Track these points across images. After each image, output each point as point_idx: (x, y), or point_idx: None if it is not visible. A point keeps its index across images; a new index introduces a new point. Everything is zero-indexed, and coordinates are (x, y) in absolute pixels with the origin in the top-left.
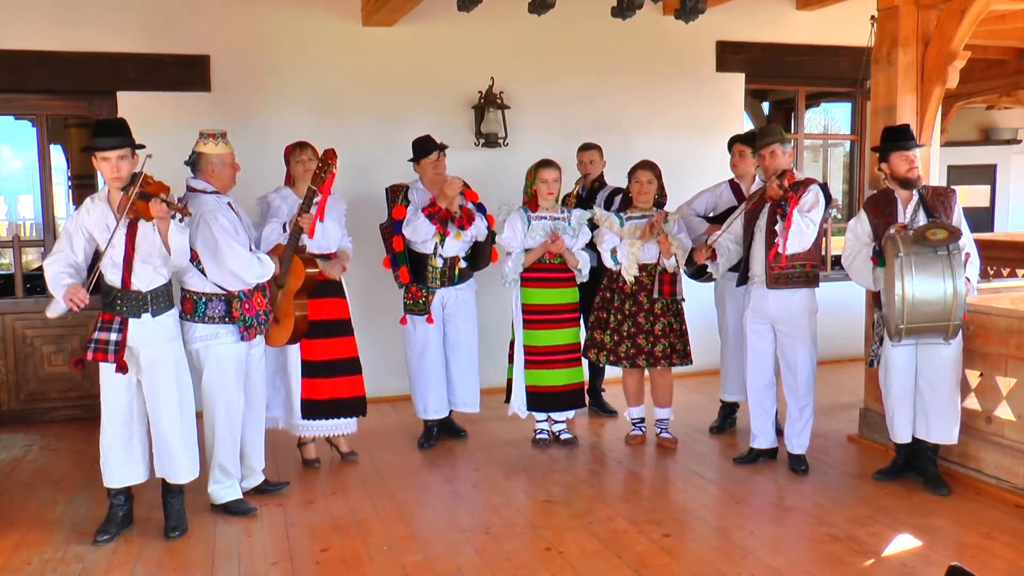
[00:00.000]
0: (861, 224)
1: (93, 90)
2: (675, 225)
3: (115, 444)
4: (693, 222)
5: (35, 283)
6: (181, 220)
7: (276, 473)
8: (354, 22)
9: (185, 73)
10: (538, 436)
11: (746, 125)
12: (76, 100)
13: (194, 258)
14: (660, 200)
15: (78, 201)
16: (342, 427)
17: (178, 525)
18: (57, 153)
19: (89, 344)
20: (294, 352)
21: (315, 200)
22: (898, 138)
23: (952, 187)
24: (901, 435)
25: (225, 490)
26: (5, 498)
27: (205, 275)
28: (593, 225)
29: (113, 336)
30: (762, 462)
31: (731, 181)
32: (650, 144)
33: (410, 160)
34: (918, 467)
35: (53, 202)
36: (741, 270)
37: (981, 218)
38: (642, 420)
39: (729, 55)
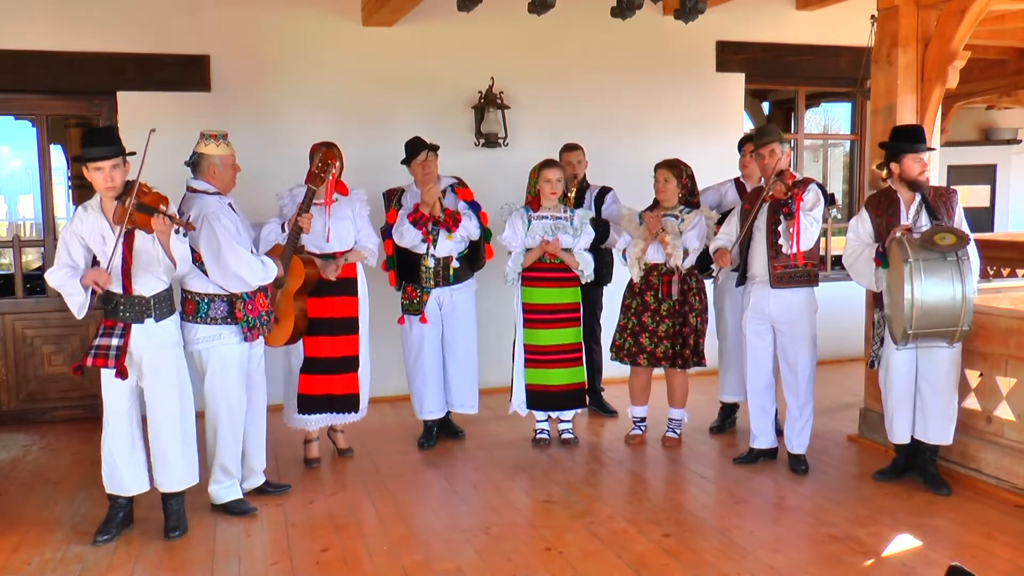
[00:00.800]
0: (863, 223)
1: (93, 90)
2: (691, 223)
3: (120, 451)
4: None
5: (35, 283)
6: (185, 235)
7: (276, 473)
8: (354, 22)
9: (185, 73)
10: (538, 436)
11: (746, 125)
12: (76, 100)
13: (196, 259)
14: (691, 199)
15: (78, 201)
16: (334, 420)
17: (178, 525)
18: (57, 153)
19: (90, 350)
20: (297, 347)
21: (314, 200)
22: (912, 139)
23: (953, 188)
24: (900, 436)
25: (225, 490)
26: (5, 498)
27: (207, 276)
28: (596, 225)
29: (115, 342)
30: (762, 462)
31: (736, 180)
32: (650, 144)
33: (402, 162)
34: (918, 467)
35: (53, 202)
36: (740, 270)
37: (981, 218)
38: (643, 420)
39: (729, 55)
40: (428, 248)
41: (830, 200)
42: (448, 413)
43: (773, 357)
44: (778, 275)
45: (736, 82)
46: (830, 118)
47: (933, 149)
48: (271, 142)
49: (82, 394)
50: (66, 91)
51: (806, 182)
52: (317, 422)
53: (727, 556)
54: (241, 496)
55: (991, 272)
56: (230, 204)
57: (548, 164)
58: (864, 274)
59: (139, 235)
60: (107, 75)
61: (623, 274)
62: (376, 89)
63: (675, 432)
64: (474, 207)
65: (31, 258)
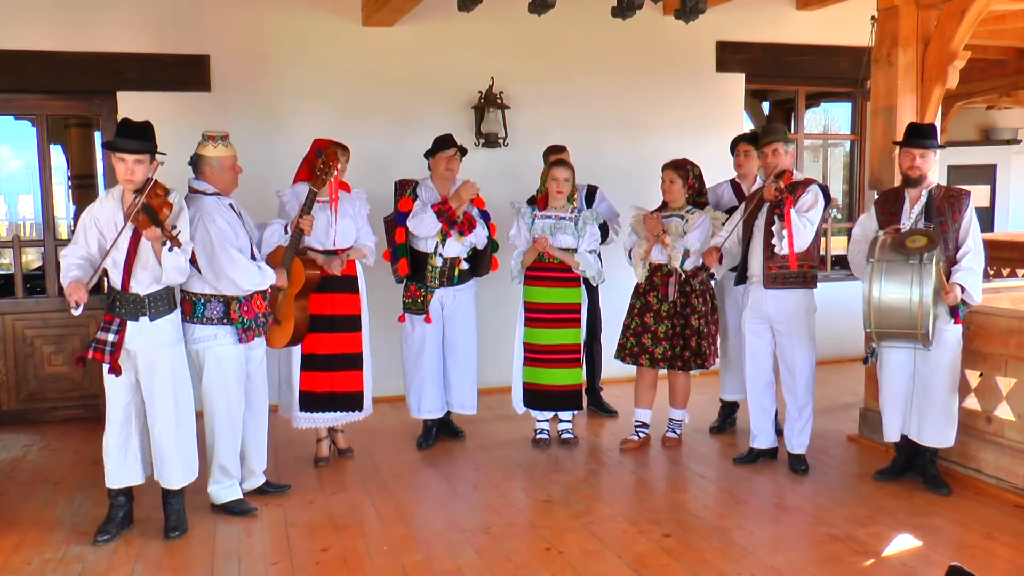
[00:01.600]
0: (870, 220)
1: (93, 90)
2: (696, 223)
3: (114, 445)
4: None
5: (35, 283)
6: (171, 249)
7: (276, 473)
8: (354, 22)
9: (185, 73)
10: (538, 436)
11: (746, 125)
12: (76, 100)
13: (193, 260)
14: (698, 200)
15: (78, 201)
16: (341, 419)
17: (178, 525)
18: (57, 153)
19: (92, 343)
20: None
21: (316, 200)
22: (908, 135)
23: (966, 189)
24: (890, 434)
25: (225, 490)
26: (5, 498)
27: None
28: (605, 227)
29: (110, 337)
30: (762, 462)
31: (732, 181)
32: (650, 144)
33: (426, 154)
34: (918, 467)
35: (53, 202)
36: (739, 270)
37: (981, 218)
38: (644, 425)
39: (729, 55)
40: (437, 247)
41: (828, 200)
42: (448, 413)
43: (772, 357)
44: (772, 275)
45: (736, 82)
46: (830, 118)
47: (929, 146)
48: (271, 142)
49: (82, 394)
50: (66, 91)
51: (807, 182)
52: (324, 420)
53: (727, 556)
54: (241, 496)
55: (991, 272)
56: (231, 205)
57: (557, 163)
58: (862, 270)
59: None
60: (107, 75)
61: (627, 274)
62: (376, 89)
63: (675, 432)
64: (485, 216)
65: (31, 258)
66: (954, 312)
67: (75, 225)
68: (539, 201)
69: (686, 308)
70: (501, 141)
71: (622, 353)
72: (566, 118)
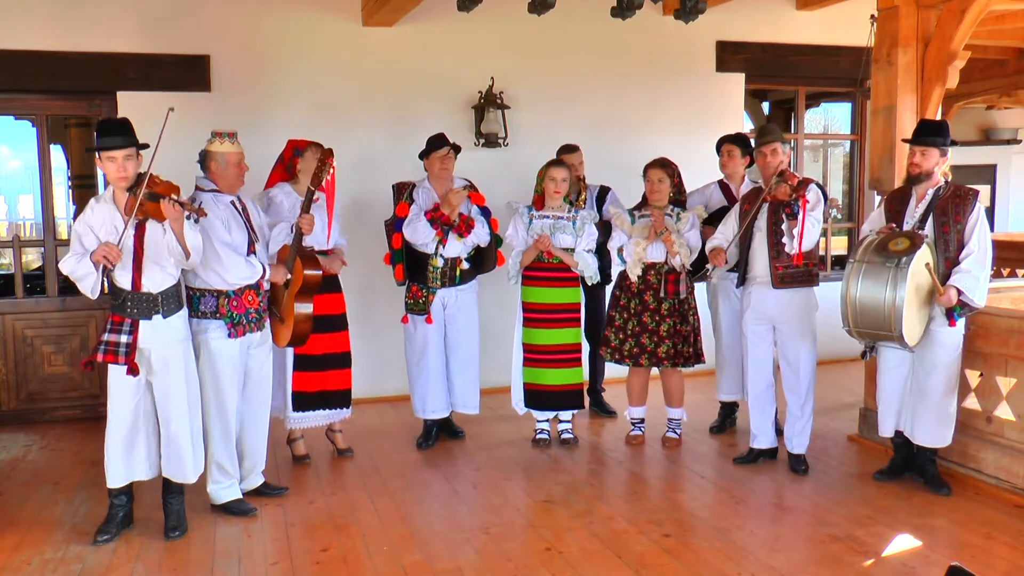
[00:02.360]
0: (880, 218)
1: (93, 90)
2: (688, 223)
3: (119, 445)
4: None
5: (35, 283)
6: (196, 220)
7: (276, 473)
8: (354, 22)
9: (185, 73)
10: (538, 436)
11: (746, 125)
12: (76, 100)
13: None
14: (679, 198)
15: (78, 201)
16: (332, 417)
17: (178, 525)
18: (57, 153)
19: (99, 346)
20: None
21: (315, 200)
22: (916, 132)
23: (975, 189)
24: (885, 429)
25: (224, 490)
26: (5, 498)
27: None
28: (599, 225)
29: (124, 338)
30: (762, 462)
31: (720, 182)
32: (650, 144)
33: (420, 155)
34: (917, 467)
35: (53, 202)
36: (740, 271)
37: None
38: (642, 420)
39: (729, 55)
40: (438, 248)
41: (827, 200)
42: (450, 413)
43: (773, 358)
44: (780, 275)
45: (736, 82)
46: (830, 118)
47: (932, 144)
48: (271, 142)
49: (82, 394)
50: (66, 91)
51: (806, 182)
52: (316, 419)
53: (727, 556)
54: (240, 496)
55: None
56: (233, 201)
57: (554, 163)
58: None
59: (150, 227)
60: (107, 75)
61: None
62: (376, 89)
63: (675, 432)
64: (485, 213)
65: (31, 258)
66: (949, 315)
67: (68, 235)
68: (535, 201)
69: (684, 305)
70: (501, 141)
71: (617, 355)
72: (566, 118)
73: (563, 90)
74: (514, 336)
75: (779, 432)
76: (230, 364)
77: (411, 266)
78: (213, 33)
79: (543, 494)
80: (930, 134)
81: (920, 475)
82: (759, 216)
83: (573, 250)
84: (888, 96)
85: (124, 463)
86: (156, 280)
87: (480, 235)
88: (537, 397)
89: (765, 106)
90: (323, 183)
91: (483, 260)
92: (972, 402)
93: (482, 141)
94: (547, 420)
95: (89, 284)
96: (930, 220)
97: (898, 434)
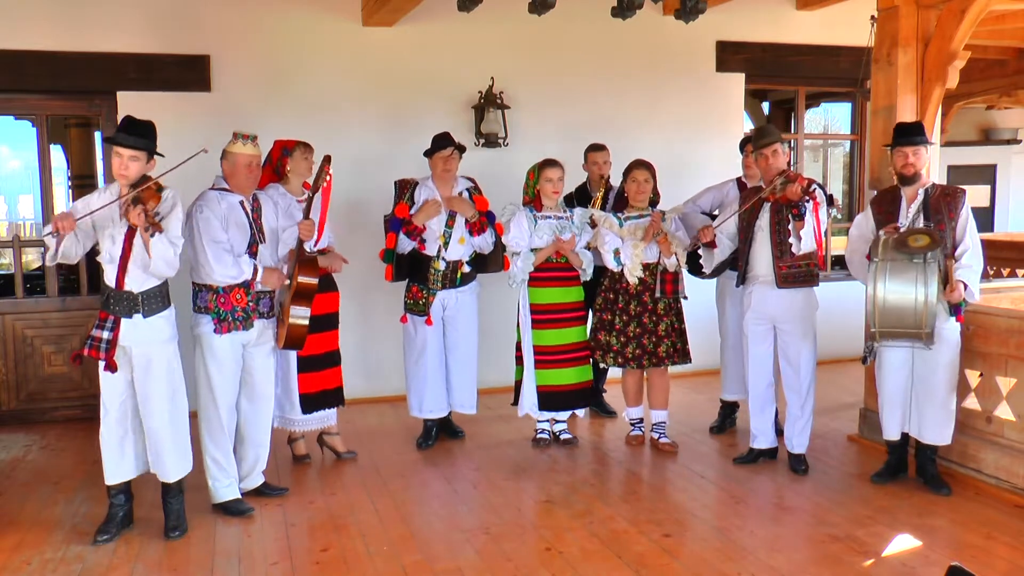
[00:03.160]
0: (867, 220)
1: (93, 90)
2: (672, 223)
3: (110, 441)
4: (696, 218)
5: (35, 283)
6: (152, 235)
7: (276, 473)
8: (354, 22)
9: (185, 73)
10: (538, 436)
11: (746, 125)
12: (76, 100)
13: None
14: (654, 199)
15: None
16: (329, 416)
17: (178, 525)
18: (57, 153)
19: (87, 340)
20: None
21: (315, 206)
22: (899, 133)
23: (962, 187)
24: (891, 432)
25: (223, 488)
26: (5, 498)
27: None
28: (592, 225)
29: (105, 334)
30: (762, 462)
31: (738, 180)
32: (650, 144)
33: (425, 153)
34: (918, 467)
35: (53, 202)
36: (740, 270)
37: (981, 218)
38: (641, 420)
39: (729, 55)
40: (440, 251)
41: (829, 201)
42: (449, 413)
43: (773, 358)
44: (783, 275)
45: (736, 82)
46: (830, 118)
47: (922, 143)
48: (271, 142)
49: (82, 394)
50: (66, 91)
51: (809, 182)
52: (318, 420)
53: (727, 556)
54: (239, 496)
55: (991, 272)
56: (242, 202)
57: (549, 164)
58: (861, 271)
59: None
60: (107, 75)
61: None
62: (376, 89)
63: (667, 437)
64: (490, 217)
65: (31, 258)
66: (955, 310)
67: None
68: (532, 204)
69: (677, 304)
70: (501, 141)
71: (621, 359)
72: (566, 118)
73: (563, 90)
74: (522, 339)
75: (779, 432)
76: (222, 359)
77: (412, 267)
78: (213, 33)
79: (543, 494)
80: (916, 134)
81: (920, 475)
82: (761, 216)
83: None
84: (888, 96)
85: (116, 460)
86: (138, 280)
87: (487, 240)
88: (552, 398)
89: (765, 106)
90: (320, 189)
91: (487, 263)
92: (972, 402)
93: (482, 141)
94: (547, 420)
95: (50, 251)
96: (923, 219)
97: (900, 434)
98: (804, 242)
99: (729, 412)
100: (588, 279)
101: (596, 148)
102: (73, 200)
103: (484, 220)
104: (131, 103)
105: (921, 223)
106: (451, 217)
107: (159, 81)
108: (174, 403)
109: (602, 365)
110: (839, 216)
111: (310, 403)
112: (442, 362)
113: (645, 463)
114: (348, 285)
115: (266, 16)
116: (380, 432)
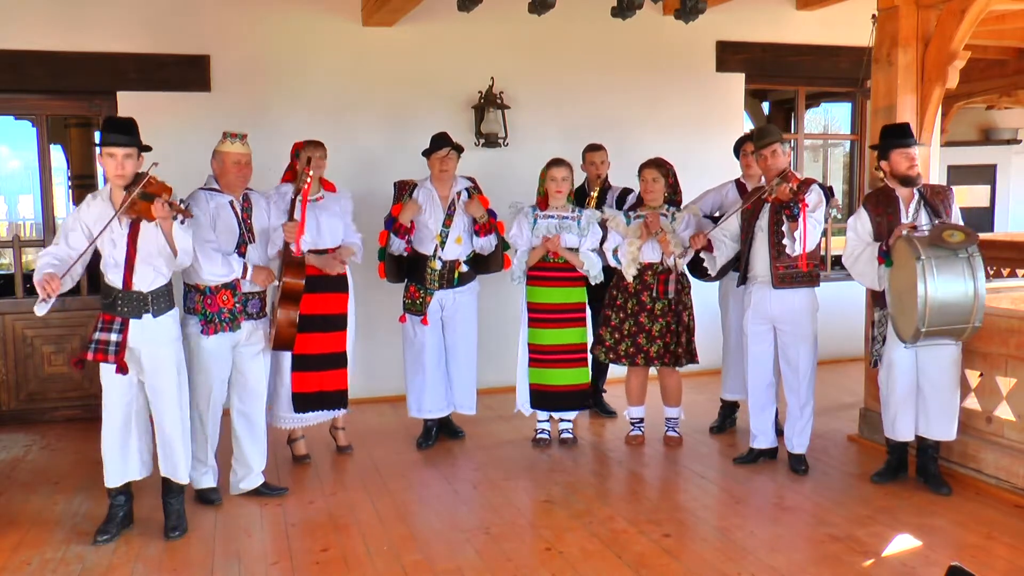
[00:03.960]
0: (861, 222)
1: (93, 90)
2: (683, 222)
3: (113, 444)
4: (701, 222)
5: None
6: (183, 221)
7: (276, 473)
8: (354, 22)
9: (185, 73)
10: (538, 436)
11: (746, 125)
12: (76, 100)
13: None
14: (675, 198)
15: (78, 201)
16: (325, 417)
17: (178, 525)
18: (57, 153)
19: (90, 344)
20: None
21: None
22: (898, 135)
23: (949, 186)
24: (904, 434)
25: (201, 476)
26: (5, 498)
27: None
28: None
29: (113, 337)
30: (762, 462)
31: (737, 181)
32: (650, 144)
33: (423, 153)
34: (919, 466)
35: (53, 202)
36: (741, 270)
37: (981, 218)
38: (641, 420)
39: (729, 55)
40: (436, 250)
41: (829, 193)
42: (449, 413)
43: (774, 358)
44: (780, 275)
45: (736, 82)
46: (830, 118)
47: (921, 144)
48: (271, 142)
49: (82, 394)
50: (66, 91)
51: (808, 182)
52: (310, 419)
53: (727, 556)
54: (214, 485)
55: (991, 272)
56: (231, 202)
57: (555, 163)
58: (866, 274)
59: (143, 228)
60: (107, 75)
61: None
62: (376, 89)
63: (675, 431)
64: (491, 215)
65: (31, 258)
66: None
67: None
68: (539, 202)
69: (678, 305)
70: (501, 141)
71: (612, 355)
72: (566, 118)
73: (563, 90)
74: (519, 337)
75: (779, 432)
76: (206, 360)
77: (410, 267)
78: (213, 33)
79: (543, 494)
80: (912, 135)
81: (921, 474)
82: (761, 216)
83: (578, 250)
84: (888, 96)
85: (119, 462)
86: (147, 279)
87: (490, 241)
88: (543, 397)
89: (765, 106)
90: (301, 191)
91: (487, 263)
92: (972, 402)
93: (482, 141)
94: (547, 420)
95: (41, 308)
96: (925, 217)
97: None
98: (796, 243)
99: (729, 412)
100: (598, 281)
101: (593, 148)
102: (73, 201)
103: (493, 221)
104: (131, 103)
105: (923, 221)
106: (448, 217)
107: (159, 81)
108: (183, 403)
109: (601, 359)
110: (839, 216)
111: (303, 403)
112: (442, 362)
113: (645, 463)
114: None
115: (266, 16)
116: (380, 432)
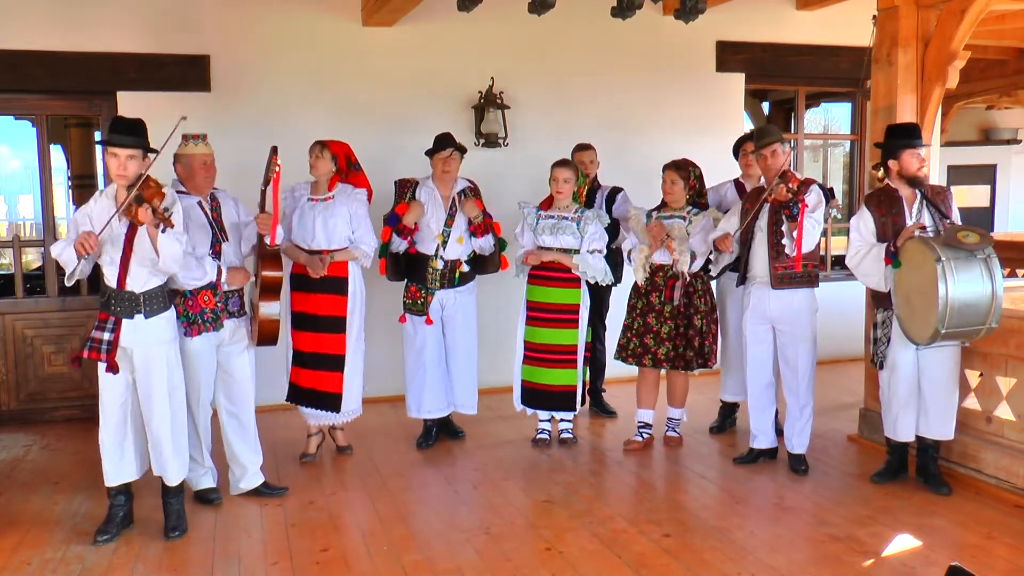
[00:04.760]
0: (864, 222)
1: (93, 90)
2: (700, 225)
3: (110, 443)
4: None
5: (35, 283)
6: (164, 230)
7: (276, 473)
8: (354, 22)
9: (185, 73)
10: (538, 436)
11: (746, 125)
12: (76, 100)
13: None
14: (698, 201)
15: (78, 201)
16: (319, 418)
17: (178, 525)
18: (57, 153)
19: (87, 342)
20: (285, 338)
21: (267, 199)
22: (909, 136)
23: (947, 186)
24: (905, 434)
25: (199, 477)
26: (5, 498)
27: None
28: (615, 226)
29: (106, 336)
30: (762, 462)
31: (736, 180)
32: (650, 144)
33: (427, 152)
34: (919, 466)
35: (53, 202)
36: (740, 271)
37: (981, 218)
38: (646, 426)
39: (729, 55)
40: (438, 250)
41: (830, 195)
42: (450, 413)
43: (773, 358)
44: (779, 276)
45: (736, 82)
46: (830, 118)
47: (928, 145)
48: (271, 142)
49: (82, 394)
50: (66, 91)
51: (808, 183)
52: (315, 417)
53: (727, 556)
54: (213, 485)
55: None
56: (200, 203)
57: (559, 163)
58: (871, 274)
59: (140, 229)
60: (107, 75)
61: (631, 274)
62: (376, 89)
63: (676, 431)
64: (486, 215)
65: (31, 258)
66: None
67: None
68: (543, 202)
69: (689, 308)
70: (501, 141)
71: (623, 354)
72: (566, 118)
73: (563, 90)
74: (517, 334)
75: (779, 432)
76: (191, 361)
77: (410, 267)
78: (213, 33)
79: (543, 494)
80: (917, 136)
81: (921, 474)
82: (760, 216)
83: (577, 251)
84: (888, 96)
85: (116, 462)
86: (140, 280)
87: (488, 241)
88: (532, 395)
89: (765, 106)
90: (270, 182)
91: (485, 264)
92: (972, 402)
93: (482, 141)
94: (547, 420)
95: (69, 270)
96: (928, 217)
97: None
98: (792, 243)
99: (729, 412)
100: (608, 282)
101: (582, 148)
102: (73, 201)
103: (488, 221)
104: (131, 103)
105: (927, 220)
106: (450, 216)
107: (159, 81)
108: (175, 404)
109: (614, 358)
110: (839, 216)
111: (297, 395)
112: (442, 362)
113: (645, 463)
114: (353, 285)
115: (266, 16)
116: (380, 432)
